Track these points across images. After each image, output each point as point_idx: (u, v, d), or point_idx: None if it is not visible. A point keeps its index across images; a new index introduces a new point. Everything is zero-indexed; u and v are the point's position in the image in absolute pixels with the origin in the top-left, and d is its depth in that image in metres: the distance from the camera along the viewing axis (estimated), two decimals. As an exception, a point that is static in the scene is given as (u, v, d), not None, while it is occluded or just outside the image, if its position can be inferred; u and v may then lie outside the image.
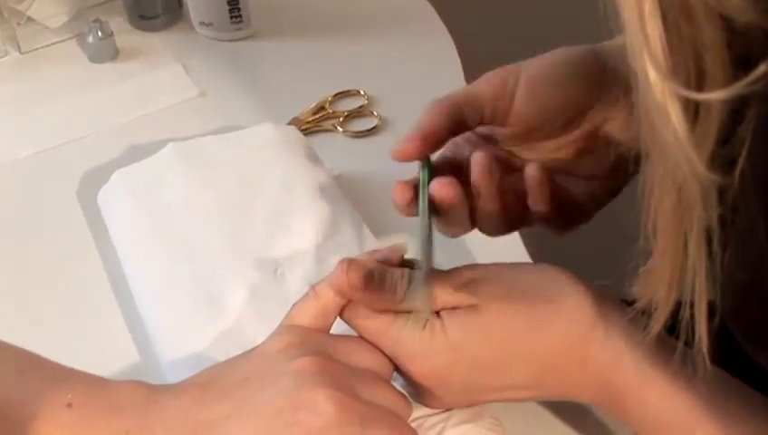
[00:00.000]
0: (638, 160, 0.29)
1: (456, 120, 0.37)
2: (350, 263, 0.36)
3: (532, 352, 0.35)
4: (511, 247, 0.47)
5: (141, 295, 0.47)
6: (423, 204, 0.36)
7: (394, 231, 0.48)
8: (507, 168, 0.38)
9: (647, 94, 0.24)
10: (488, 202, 0.37)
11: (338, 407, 0.32)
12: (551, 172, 0.37)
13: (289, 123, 0.57)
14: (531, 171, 0.37)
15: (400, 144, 0.36)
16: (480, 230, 0.39)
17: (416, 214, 0.36)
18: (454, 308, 0.35)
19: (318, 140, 0.57)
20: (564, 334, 0.35)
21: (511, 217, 0.38)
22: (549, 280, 0.36)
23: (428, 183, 0.36)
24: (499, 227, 0.39)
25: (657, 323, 0.31)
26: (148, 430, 0.33)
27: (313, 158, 0.53)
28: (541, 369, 0.35)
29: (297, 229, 0.47)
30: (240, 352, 0.37)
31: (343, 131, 0.59)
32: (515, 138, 0.38)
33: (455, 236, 0.39)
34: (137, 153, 0.54)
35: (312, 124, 0.59)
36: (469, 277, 0.36)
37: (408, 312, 0.35)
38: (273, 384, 0.33)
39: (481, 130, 0.39)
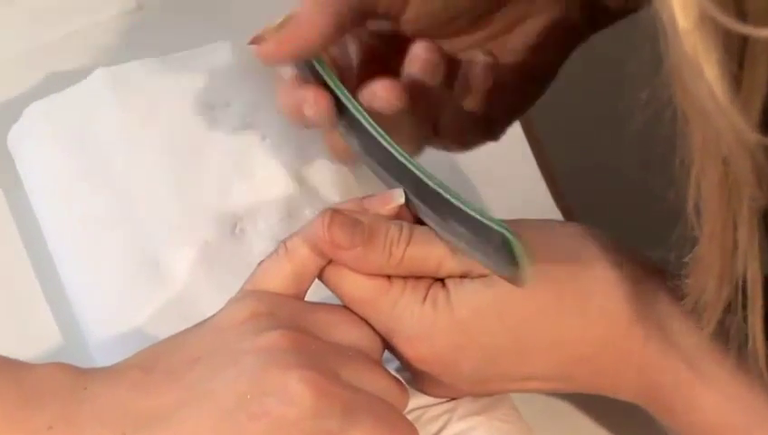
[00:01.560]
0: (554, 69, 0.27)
1: (347, 12, 0.37)
2: (333, 214, 0.35)
3: (556, 338, 0.35)
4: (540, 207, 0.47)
5: (64, 260, 0.46)
6: (357, 110, 0.36)
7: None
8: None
9: (675, 44, 0.23)
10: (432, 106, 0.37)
11: (315, 393, 0.31)
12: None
13: (251, 43, 0.52)
14: (477, 60, 0.37)
15: (281, 39, 0.36)
16: None
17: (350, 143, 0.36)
18: (462, 277, 0.35)
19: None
20: (599, 318, 0.34)
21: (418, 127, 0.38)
22: (583, 246, 0.35)
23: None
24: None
25: (709, 322, 0.31)
26: (76, 424, 0.32)
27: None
28: (568, 359, 0.35)
29: (262, 175, 0.46)
30: (189, 325, 0.36)
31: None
32: (415, 34, 0.38)
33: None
34: (57, 82, 0.51)
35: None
36: None
37: (406, 278, 0.35)
38: (232, 365, 0.33)
39: (373, 26, 0.39)
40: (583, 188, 0.44)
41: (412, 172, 0.35)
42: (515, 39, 0.39)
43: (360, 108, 0.36)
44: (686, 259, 0.30)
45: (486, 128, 0.40)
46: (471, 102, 0.39)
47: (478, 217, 0.33)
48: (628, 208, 0.44)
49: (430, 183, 0.35)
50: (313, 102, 0.36)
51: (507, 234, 0.33)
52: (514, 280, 0.33)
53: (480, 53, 0.39)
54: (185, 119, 0.48)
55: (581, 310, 0.35)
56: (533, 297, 0.34)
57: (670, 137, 0.26)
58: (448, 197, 0.34)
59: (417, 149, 0.40)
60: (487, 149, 0.43)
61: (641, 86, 0.25)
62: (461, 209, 0.34)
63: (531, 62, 0.39)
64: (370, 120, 0.36)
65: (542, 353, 0.35)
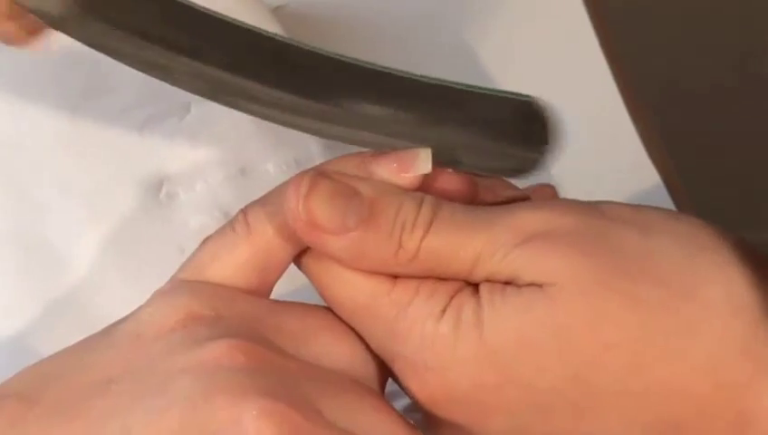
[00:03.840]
0: None
1: None
2: (314, 179, 0.33)
3: (637, 388, 0.32)
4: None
5: None
6: None
7: None
8: None
9: None
10: None
11: (281, 432, 0.29)
12: None
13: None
14: None
15: None
16: None
17: None
18: (504, 283, 0.33)
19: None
20: (705, 369, 0.32)
21: None
22: (697, 255, 0.33)
23: None
24: None
25: None
26: None
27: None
28: (650, 421, 0.33)
29: (198, 114, 0.45)
30: (93, 331, 0.34)
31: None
32: None
33: None
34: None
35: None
36: (539, 225, 0.34)
37: (421, 279, 0.33)
38: (158, 391, 0.31)
39: None
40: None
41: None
42: None
43: None
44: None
45: None
46: None
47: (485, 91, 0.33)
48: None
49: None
50: None
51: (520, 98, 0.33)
52: (533, 164, 0.33)
53: None
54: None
55: (680, 353, 0.32)
56: (611, 327, 0.32)
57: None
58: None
59: None
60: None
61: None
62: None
63: None
64: None
65: (613, 408, 0.33)
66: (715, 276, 0.33)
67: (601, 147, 0.49)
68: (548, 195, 0.39)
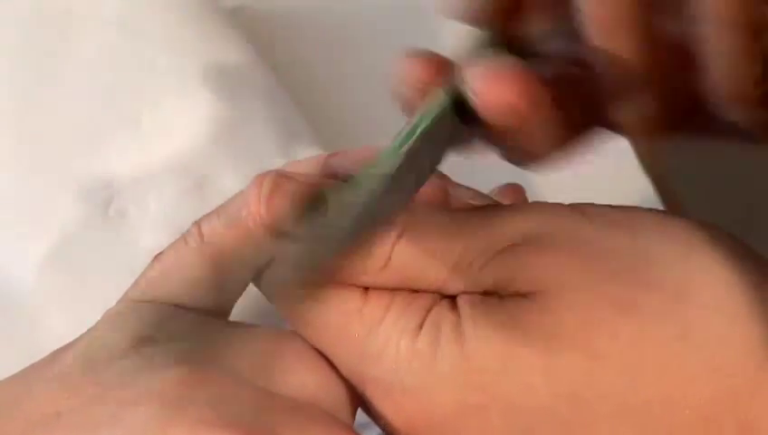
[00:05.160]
0: None
1: None
2: (276, 180, 0.32)
3: (635, 401, 0.32)
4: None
5: None
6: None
7: (359, 124, 0.46)
8: None
9: None
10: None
11: None
12: None
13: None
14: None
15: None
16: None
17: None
18: (484, 294, 0.32)
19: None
20: (707, 374, 0.32)
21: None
22: (692, 257, 0.33)
23: None
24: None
25: None
26: None
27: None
28: None
29: (152, 124, 0.44)
30: (38, 358, 0.33)
31: None
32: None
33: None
34: None
35: None
36: (523, 231, 0.33)
37: (393, 291, 0.33)
38: (111, 423, 0.30)
39: None
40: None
41: None
42: None
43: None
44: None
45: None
46: None
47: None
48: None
49: None
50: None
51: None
52: None
53: None
54: (32, 37, 0.46)
55: (678, 361, 0.32)
56: (604, 336, 0.32)
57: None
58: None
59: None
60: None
61: None
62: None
63: None
64: None
65: (609, 427, 0.32)
66: (710, 278, 0.33)
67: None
68: (517, 195, 0.38)
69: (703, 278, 0.33)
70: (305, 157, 0.37)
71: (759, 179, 0.50)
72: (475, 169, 0.41)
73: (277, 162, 0.41)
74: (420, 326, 0.32)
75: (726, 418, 0.32)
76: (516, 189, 0.37)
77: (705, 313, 0.32)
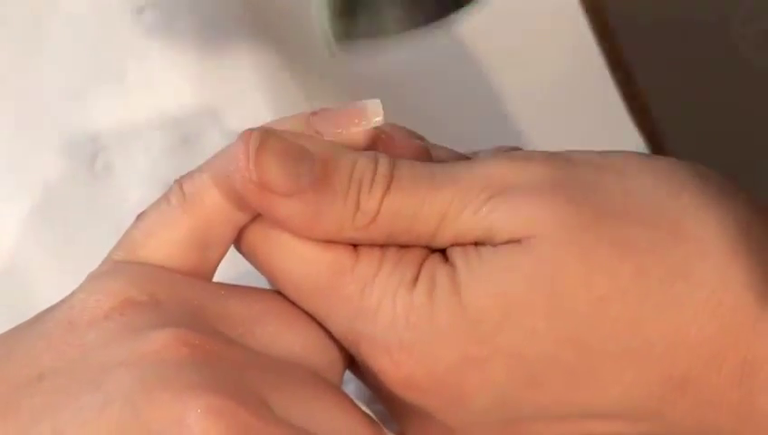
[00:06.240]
0: None
1: None
2: (263, 137, 0.32)
3: (635, 342, 0.32)
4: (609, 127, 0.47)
5: None
6: None
7: (349, 78, 0.46)
8: None
9: None
10: None
11: (229, 432, 0.29)
12: None
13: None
14: None
15: None
16: None
17: None
18: (476, 244, 0.33)
19: None
20: (707, 312, 0.32)
21: None
22: (682, 195, 0.33)
23: None
24: None
25: None
26: None
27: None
28: (654, 379, 0.33)
29: (140, 71, 0.44)
30: (22, 319, 0.34)
31: None
32: None
33: None
34: None
35: None
36: (509, 177, 0.33)
37: (383, 247, 0.33)
38: (93, 387, 0.30)
39: None
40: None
41: None
42: None
43: None
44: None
45: None
46: None
47: None
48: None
49: None
50: None
51: None
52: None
53: None
54: None
55: (679, 298, 0.32)
56: (602, 277, 0.32)
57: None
58: None
59: None
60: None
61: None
62: None
63: None
64: None
65: (612, 371, 0.32)
66: (704, 214, 0.33)
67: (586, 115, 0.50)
68: None
69: (696, 215, 0.33)
70: (293, 113, 0.36)
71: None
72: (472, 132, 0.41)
73: (265, 117, 0.41)
74: (415, 279, 0.32)
75: (728, 354, 0.32)
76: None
77: (703, 249, 0.32)
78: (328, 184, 0.32)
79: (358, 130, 0.34)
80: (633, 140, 0.49)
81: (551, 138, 0.50)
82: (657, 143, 0.49)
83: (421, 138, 0.36)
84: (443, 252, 0.33)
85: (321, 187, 0.32)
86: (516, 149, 0.37)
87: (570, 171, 0.33)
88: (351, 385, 0.35)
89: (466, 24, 0.50)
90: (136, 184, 0.44)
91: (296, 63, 0.47)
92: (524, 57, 0.49)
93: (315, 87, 0.46)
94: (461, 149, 0.37)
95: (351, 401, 0.33)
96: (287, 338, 0.33)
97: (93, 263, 0.34)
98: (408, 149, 0.35)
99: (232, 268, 0.35)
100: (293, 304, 0.33)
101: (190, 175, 0.34)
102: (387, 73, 0.50)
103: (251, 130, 0.33)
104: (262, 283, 0.35)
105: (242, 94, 0.45)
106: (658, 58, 0.55)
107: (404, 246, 0.33)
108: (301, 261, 0.33)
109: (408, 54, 0.50)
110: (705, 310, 0.32)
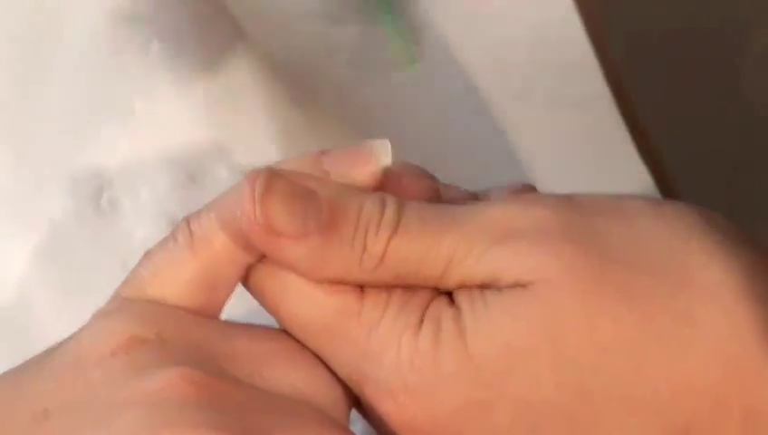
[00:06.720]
0: None
1: None
2: (270, 178, 0.32)
3: (640, 390, 0.32)
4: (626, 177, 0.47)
5: None
6: None
7: (357, 118, 0.46)
8: None
9: None
10: None
11: None
12: None
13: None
14: None
15: None
16: None
17: None
18: (482, 287, 0.32)
19: None
20: (712, 360, 0.32)
21: None
22: (690, 240, 0.33)
23: None
24: None
25: None
26: None
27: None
28: (667, 428, 0.32)
29: (147, 107, 0.44)
30: (27, 356, 0.33)
31: None
32: None
33: None
34: None
35: None
36: (516, 221, 0.33)
37: (390, 289, 0.33)
38: (100, 425, 0.30)
39: None
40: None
41: None
42: None
43: None
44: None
45: None
46: None
47: None
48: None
49: None
50: None
51: None
52: None
53: None
54: (21, 13, 0.46)
55: (684, 345, 0.32)
56: (608, 323, 0.32)
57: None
58: None
59: None
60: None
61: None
62: None
63: None
64: None
65: (617, 418, 0.32)
66: (710, 260, 0.33)
67: (596, 155, 0.50)
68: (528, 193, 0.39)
69: (701, 261, 0.33)
70: (301, 152, 0.36)
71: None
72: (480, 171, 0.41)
73: (272, 153, 0.43)
74: (420, 323, 0.32)
75: (733, 401, 0.32)
76: (529, 189, 0.37)
77: (709, 296, 0.32)
78: (335, 227, 0.32)
79: (366, 171, 0.34)
80: (643, 181, 0.50)
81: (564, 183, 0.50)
82: (666, 184, 0.49)
83: (432, 177, 0.36)
84: (449, 294, 0.33)
85: (328, 230, 0.32)
86: (528, 185, 0.37)
87: (577, 215, 0.33)
88: (359, 425, 0.35)
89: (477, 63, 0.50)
90: (142, 221, 0.44)
91: (303, 100, 0.47)
92: (534, 99, 0.49)
93: (323, 124, 0.46)
94: (467, 184, 0.37)
95: None
96: (294, 378, 0.33)
97: (99, 300, 0.34)
98: (416, 191, 0.35)
99: (240, 305, 0.35)
100: (300, 343, 0.33)
101: (198, 214, 0.34)
102: (395, 107, 0.50)
103: (257, 172, 0.32)
104: (270, 320, 0.34)
105: (249, 130, 0.45)
106: (667, 102, 0.56)
107: (411, 288, 0.33)
108: (307, 302, 0.33)
109: (417, 89, 0.50)
110: (711, 357, 0.32)
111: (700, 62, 0.58)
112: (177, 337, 0.32)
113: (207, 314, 0.33)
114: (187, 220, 0.33)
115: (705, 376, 0.32)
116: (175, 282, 0.33)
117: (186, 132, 0.44)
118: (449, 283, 0.33)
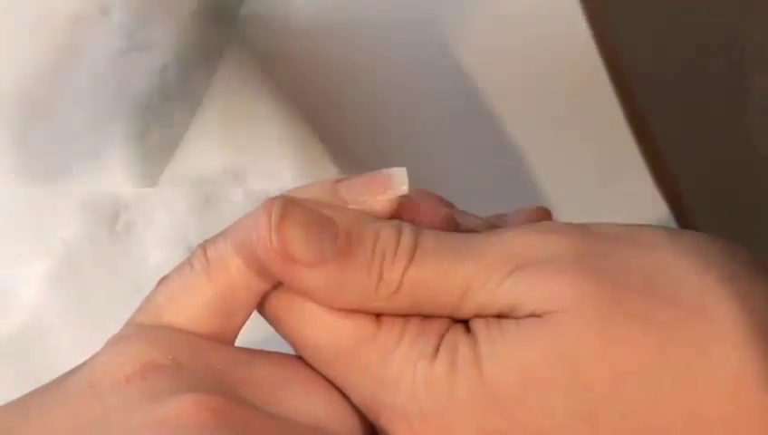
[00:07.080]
0: None
1: None
2: (286, 206, 0.32)
3: (653, 420, 0.32)
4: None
5: None
6: None
7: (375, 143, 0.45)
8: None
9: None
10: None
11: None
12: None
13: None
14: None
15: None
16: None
17: None
18: (498, 316, 0.32)
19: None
20: (724, 390, 0.32)
21: None
22: (705, 271, 0.33)
23: None
24: None
25: None
26: None
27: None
28: None
29: (161, 141, 0.45)
30: (44, 381, 0.33)
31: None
32: None
33: None
34: None
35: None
36: (532, 250, 0.33)
37: (405, 317, 0.33)
38: None
39: None
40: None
41: None
42: None
43: None
44: None
45: None
46: None
47: None
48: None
49: None
50: None
51: None
52: None
53: None
54: (37, 36, 0.46)
55: (699, 378, 0.31)
56: (623, 353, 0.32)
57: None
58: None
59: None
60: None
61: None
62: None
63: None
64: None
65: None
66: (726, 292, 0.32)
67: (606, 175, 0.49)
68: (544, 219, 0.38)
69: (717, 293, 0.32)
70: (318, 179, 0.36)
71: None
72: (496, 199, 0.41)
73: (288, 177, 0.43)
74: (436, 351, 0.32)
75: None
76: (544, 213, 0.37)
77: (725, 329, 0.32)
78: (351, 255, 0.32)
79: (383, 199, 0.34)
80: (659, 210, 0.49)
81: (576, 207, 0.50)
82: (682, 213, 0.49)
83: (449, 204, 0.36)
84: (465, 322, 0.33)
85: (344, 258, 0.32)
86: (543, 208, 0.37)
87: (594, 245, 0.33)
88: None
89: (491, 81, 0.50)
90: (157, 244, 0.44)
91: (320, 125, 0.47)
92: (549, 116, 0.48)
93: (339, 149, 0.46)
94: (482, 208, 0.37)
95: None
96: (309, 404, 0.32)
97: (113, 323, 0.34)
98: (433, 218, 0.35)
99: (256, 332, 0.35)
100: (315, 369, 0.33)
101: (214, 241, 0.33)
102: (409, 133, 0.50)
103: (273, 200, 0.32)
104: (286, 347, 0.34)
105: (265, 154, 0.45)
106: (682, 139, 0.56)
107: (427, 316, 0.33)
108: (323, 329, 0.33)
109: (430, 110, 0.50)
110: (725, 391, 0.32)
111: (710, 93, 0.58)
112: (192, 363, 0.32)
113: (223, 339, 0.33)
114: (204, 247, 0.33)
115: (719, 409, 0.32)
116: (190, 307, 0.33)
117: (201, 156, 0.44)
118: (465, 311, 0.33)
